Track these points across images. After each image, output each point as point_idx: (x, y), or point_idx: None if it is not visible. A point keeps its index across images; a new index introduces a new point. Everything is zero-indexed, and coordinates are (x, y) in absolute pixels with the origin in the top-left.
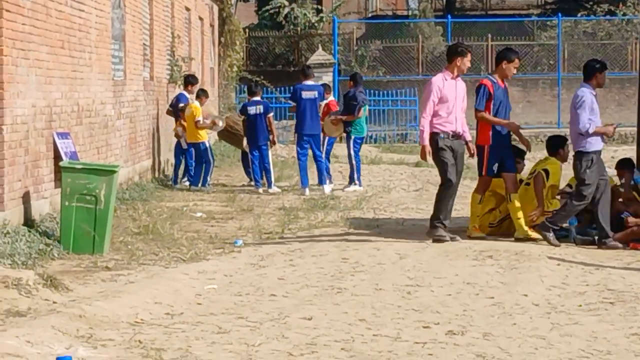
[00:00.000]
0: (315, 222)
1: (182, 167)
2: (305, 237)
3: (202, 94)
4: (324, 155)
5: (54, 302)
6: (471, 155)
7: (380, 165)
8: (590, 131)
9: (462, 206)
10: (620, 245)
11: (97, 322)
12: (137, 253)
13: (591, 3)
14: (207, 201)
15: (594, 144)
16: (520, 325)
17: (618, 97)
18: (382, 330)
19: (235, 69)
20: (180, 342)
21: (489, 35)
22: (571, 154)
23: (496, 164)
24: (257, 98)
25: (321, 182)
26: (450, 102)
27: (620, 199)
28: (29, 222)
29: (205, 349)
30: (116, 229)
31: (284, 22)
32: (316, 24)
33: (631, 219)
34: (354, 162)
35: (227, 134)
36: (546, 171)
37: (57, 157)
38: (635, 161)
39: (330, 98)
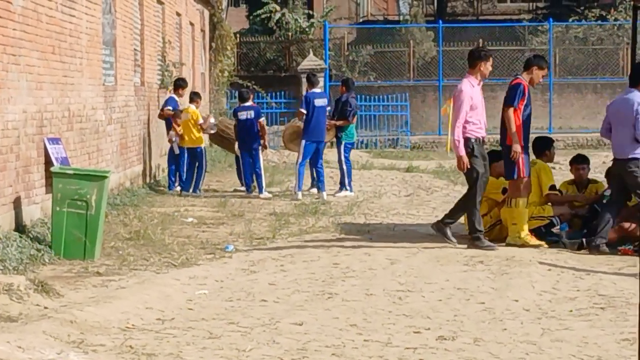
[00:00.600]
0: (306, 228)
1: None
2: (296, 242)
3: (195, 97)
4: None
5: (45, 308)
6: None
7: (371, 170)
8: None
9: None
10: (607, 250)
11: (88, 328)
12: (128, 258)
13: (582, 8)
14: (198, 206)
15: None
16: (511, 331)
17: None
18: (373, 336)
19: (226, 74)
20: (172, 348)
21: (481, 41)
22: (596, 160)
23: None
24: (249, 103)
25: (320, 188)
26: (479, 108)
27: None
28: (20, 227)
29: (196, 354)
30: (107, 234)
31: (275, 27)
32: (307, 29)
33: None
34: (344, 167)
35: (218, 138)
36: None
37: (48, 162)
38: None
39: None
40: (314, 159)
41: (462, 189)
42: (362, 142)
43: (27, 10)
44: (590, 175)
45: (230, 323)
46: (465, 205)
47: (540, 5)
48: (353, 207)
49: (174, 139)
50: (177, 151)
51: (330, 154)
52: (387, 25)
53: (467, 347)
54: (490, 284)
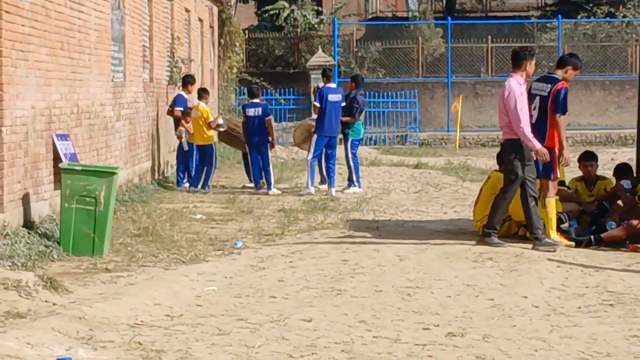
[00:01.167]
0: (315, 224)
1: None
2: (305, 239)
3: (204, 93)
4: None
5: (54, 304)
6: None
7: (379, 167)
8: None
9: (462, 208)
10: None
11: (97, 324)
12: (136, 255)
13: (591, 5)
14: (207, 203)
15: None
16: (520, 327)
17: (618, 99)
18: (381, 332)
19: (235, 70)
20: (180, 344)
21: (489, 37)
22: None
23: None
24: (257, 100)
25: (330, 184)
26: (526, 107)
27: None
28: (28, 223)
29: (205, 351)
30: (116, 230)
31: (283, 24)
32: (316, 26)
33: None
34: (351, 163)
35: (227, 136)
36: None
37: (57, 158)
38: (635, 164)
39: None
40: (326, 155)
41: (470, 186)
42: (370, 139)
43: (35, 6)
44: (599, 172)
45: (239, 319)
46: (499, 205)
47: (549, 2)
48: (362, 203)
49: (183, 135)
50: (186, 147)
51: (337, 151)
52: (396, 22)
53: (476, 344)
54: (499, 280)
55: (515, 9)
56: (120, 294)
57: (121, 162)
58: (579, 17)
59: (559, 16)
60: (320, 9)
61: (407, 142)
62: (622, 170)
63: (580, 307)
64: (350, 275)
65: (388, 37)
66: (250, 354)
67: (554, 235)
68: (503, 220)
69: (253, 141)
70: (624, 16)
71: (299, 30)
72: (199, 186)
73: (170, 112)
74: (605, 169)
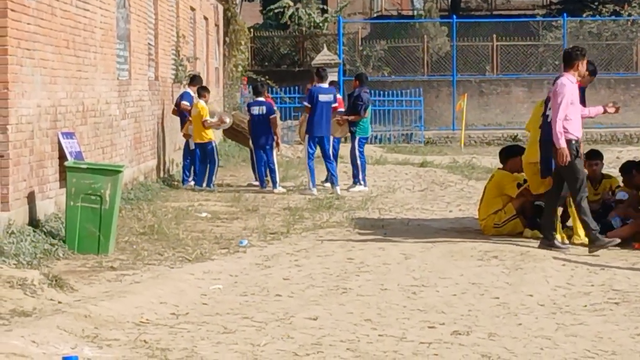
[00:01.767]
0: (320, 223)
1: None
2: (310, 237)
3: (204, 91)
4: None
5: (59, 302)
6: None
7: (385, 165)
8: None
9: (467, 206)
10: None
11: (103, 322)
12: (142, 253)
13: (596, 3)
14: (212, 201)
15: None
16: (525, 326)
17: (623, 98)
18: (387, 331)
19: (240, 68)
20: (186, 342)
21: (494, 36)
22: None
23: None
24: (261, 98)
25: (333, 182)
26: (577, 106)
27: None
28: (34, 222)
29: (210, 349)
30: (121, 229)
31: (288, 22)
32: (321, 24)
33: None
34: (358, 162)
35: (232, 132)
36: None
37: (62, 157)
38: None
39: (338, 96)
40: (323, 155)
41: (475, 184)
42: (376, 137)
43: (41, 5)
44: (604, 171)
45: (244, 318)
46: (580, 209)
47: (554, 0)
48: (367, 202)
49: (190, 133)
50: (192, 146)
51: (344, 149)
52: (401, 20)
53: (481, 342)
54: (504, 279)
55: (520, 8)
56: (125, 292)
57: (126, 160)
58: (584, 15)
59: (564, 15)
60: (325, 7)
61: (413, 141)
62: (628, 168)
63: (585, 306)
64: (355, 274)
65: (393, 35)
66: (255, 353)
67: (583, 234)
68: (508, 219)
69: (258, 140)
70: (629, 15)
71: (304, 28)
72: (204, 184)
73: (175, 112)
74: (610, 167)
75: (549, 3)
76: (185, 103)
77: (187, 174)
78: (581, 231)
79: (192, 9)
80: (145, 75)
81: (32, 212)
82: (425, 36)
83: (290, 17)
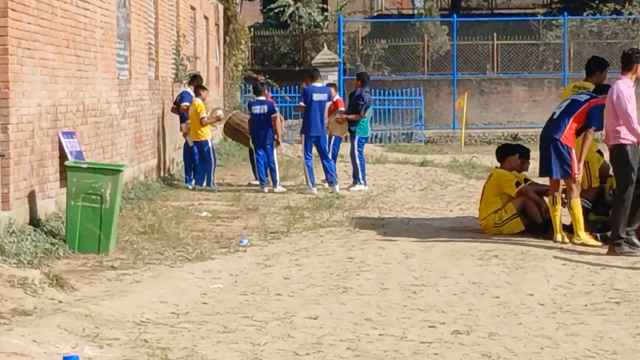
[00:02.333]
0: (320, 222)
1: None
2: (310, 236)
3: (200, 90)
4: (330, 156)
5: (60, 302)
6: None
7: (385, 164)
8: None
9: (467, 206)
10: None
11: (103, 322)
12: (142, 252)
13: (597, 2)
14: (213, 200)
15: None
16: (526, 325)
17: None
18: (387, 330)
19: (240, 68)
20: (186, 342)
21: (495, 35)
22: None
23: None
24: (262, 98)
25: (331, 182)
26: (635, 110)
27: None
28: (34, 221)
29: (210, 348)
30: (121, 228)
31: (289, 21)
32: (321, 23)
33: None
34: (358, 161)
35: (232, 131)
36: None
37: (63, 156)
38: None
39: (337, 97)
40: (320, 154)
41: (475, 183)
42: (376, 136)
43: (41, 4)
44: None
45: (244, 317)
46: (619, 211)
47: None
48: (367, 201)
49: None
50: (191, 144)
51: (344, 148)
52: (402, 19)
53: (482, 342)
54: (505, 278)
55: (521, 7)
56: (126, 292)
57: (127, 159)
58: (584, 14)
59: (565, 13)
60: (325, 6)
61: (413, 140)
62: None
63: (586, 305)
64: (355, 273)
65: (393, 34)
66: (255, 352)
67: (584, 235)
68: (507, 218)
69: (259, 138)
70: (630, 13)
71: (304, 27)
72: (204, 184)
73: (174, 110)
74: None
75: (549, 2)
76: (185, 104)
77: (189, 173)
78: (581, 232)
79: (193, 8)
80: (146, 74)
81: (32, 212)
82: (425, 35)
83: (290, 16)
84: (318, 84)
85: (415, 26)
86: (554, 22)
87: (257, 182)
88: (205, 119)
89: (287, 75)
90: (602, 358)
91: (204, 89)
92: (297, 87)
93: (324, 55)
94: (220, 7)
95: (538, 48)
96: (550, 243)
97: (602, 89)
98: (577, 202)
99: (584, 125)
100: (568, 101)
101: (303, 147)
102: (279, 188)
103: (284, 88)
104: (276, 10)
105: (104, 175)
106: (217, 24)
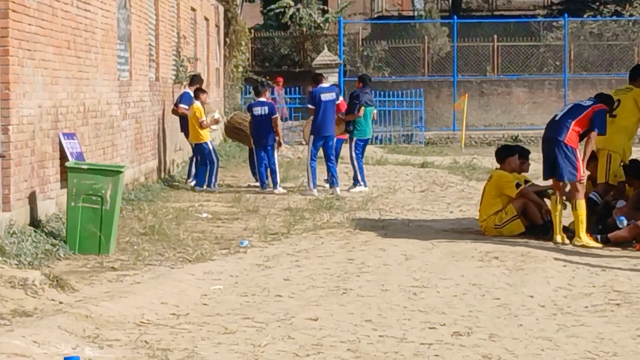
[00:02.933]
0: (321, 223)
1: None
2: (311, 238)
3: (200, 92)
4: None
5: (60, 303)
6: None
7: (385, 165)
8: None
9: (468, 207)
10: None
11: (104, 323)
12: (143, 253)
13: (597, 4)
14: (213, 202)
15: None
16: (526, 327)
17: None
18: (388, 331)
19: (240, 69)
20: (187, 343)
21: (495, 36)
22: None
23: None
24: (263, 99)
25: (333, 183)
26: None
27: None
28: (35, 222)
29: (211, 350)
30: (122, 229)
31: (289, 23)
32: (322, 25)
33: None
34: (355, 163)
35: (233, 131)
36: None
37: (63, 157)
38: None
39: (340, 99)
40: (325, 155)
41: (476, 185)
42: (376, 138)
43: (42, 5)
44: None
45: (245, 318)
46: None
47: (555, 0)
48: (367, 202)
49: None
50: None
51: (343, 149)
52: (402, 21)
53: (482, 343)
54: (505, 279)
55: (521, 8)
56: (126, 293)
57: (127, 160)
58: (585, 16)
59: (565, 15)
60: (325, 7)
61: (413, 141)
62: (632, 169)
63: (587, 307)
64: (356, 275)
65: (394, 36)
66: (256, 353)
67: (584, 237)
68: (508, 219)
69: (260, 140)
70: (631, 15)
71: (304, 29)
72: (205, 185)
73: (175, 111)
74: None
75: (549, 3)
76: (183, 106)
77: (190, 174)
78: (583, 234)
79: (193, 9)
80: (146, 75)
81: (33, 213)
82: (425, 37)
83: (290, 17)
84: (325, 85)
85: (415, 28)
86: (554, 23)
87: (257, 183)
88: (205, 122)
89: (287, 77)
90: None
91: (204, 91)
92: (297, 88)
93: (324, 56)
94: (221, 9)
95: (538, 50)
96: (550, 244)
97: (606, 99)
98: (581, 204)
99: (587, 129)
100: (571, 105)
101: (309, 148)
102: (279, 189)
103: (284, 89)
104: (277, 12)
105: (105, 177)
106: (217, 25)
